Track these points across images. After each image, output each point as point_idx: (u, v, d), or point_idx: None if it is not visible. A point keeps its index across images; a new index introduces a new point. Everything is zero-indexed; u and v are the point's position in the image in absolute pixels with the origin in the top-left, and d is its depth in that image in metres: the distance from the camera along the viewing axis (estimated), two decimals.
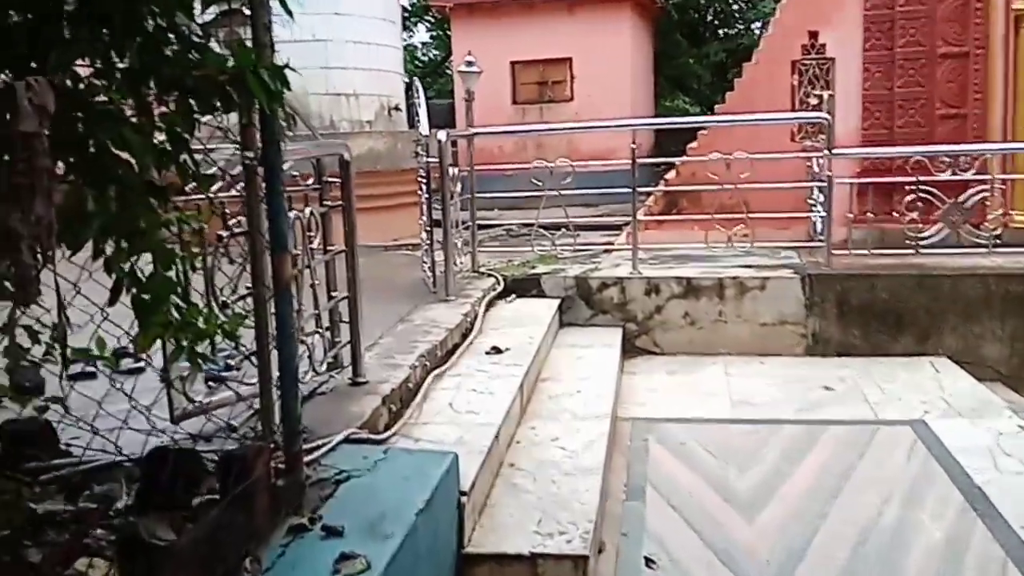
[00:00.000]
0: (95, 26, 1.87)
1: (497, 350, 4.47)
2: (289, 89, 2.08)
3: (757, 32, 23.29)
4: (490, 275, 6.01)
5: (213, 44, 2.05)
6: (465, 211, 6.14)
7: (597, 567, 3.01)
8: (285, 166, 2.81)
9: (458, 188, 5.81)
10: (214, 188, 2.62)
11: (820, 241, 6.12)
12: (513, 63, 18.94)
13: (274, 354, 2.40)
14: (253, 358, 2.52)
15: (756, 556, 3.28)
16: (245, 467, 2.11)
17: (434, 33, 28.76)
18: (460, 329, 4.66)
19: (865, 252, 6.05)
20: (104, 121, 1.90)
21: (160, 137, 2.00)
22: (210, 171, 2.38)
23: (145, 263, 2.03)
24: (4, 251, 1.41)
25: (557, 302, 5.81)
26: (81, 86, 1.93)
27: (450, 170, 5.46)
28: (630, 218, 6.40)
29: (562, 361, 5.02)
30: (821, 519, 3.53)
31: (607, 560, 3.18)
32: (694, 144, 8.87)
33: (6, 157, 1.39)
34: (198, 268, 2.44)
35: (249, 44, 2.15)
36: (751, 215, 6.29)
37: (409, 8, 25.97)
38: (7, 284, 1.54)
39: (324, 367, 3.30)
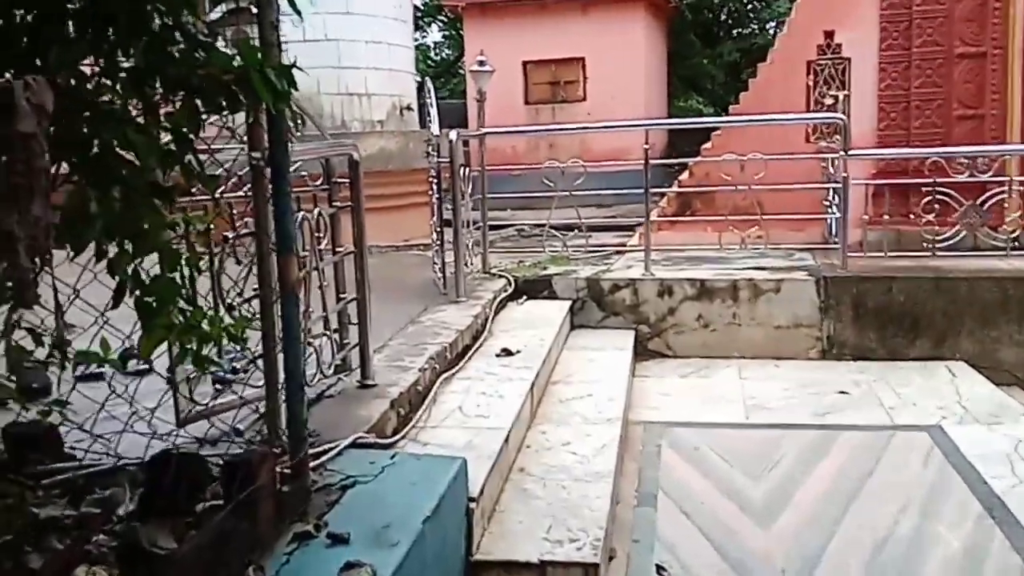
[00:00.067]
0: (99, 25, 1.84)
1: (508, 352, 4.42)
2: (296, 89, 2.04)
3: (772, 32, 23.17)
4: (501, 276, 5.97)
5: (220, 43, 2.02)
6: (476, 211, 6.10)
7: (607, 575, 2.96)
8: (293, 166, 2.78)
9: (469, 188, 5.77)
10: (220, 189, 2.61)
11: (835, 243, 6.06)
12: (525, 63, 18.86)
13: (280, 357, 2.36)
14: (259, 361, 2.49)
15: (770, 564, 3.23)
16: (249, 473, 2.07)
17: (447, 33, 28.75)
18: (470, 331, 4.62)
19: (881, 254, 5.98)
20: (108, 121, 1.87)
21: (165, 137, 1.97)
22: (216, 172, 2.37)
23: (149, 264, 2.00)
24: (1, 253, 1.38)
25: (568, 304, 5.77)
26: (89, 86, 1.90)
27: (461, 170, 5.42)
28: (643, 219, 6.34)
29: (573, 364, 4.98)
30: (836, 526, 3.47)
31: (618, 568, 3.13)
32: (708, 145, 8.80)
33: (3, 158, 1.36)
34: (203, 271, 2.41)
35: (256, 43, 2.13)
36: (765, 216, 6.23)
37: (422, 8, 25.96)
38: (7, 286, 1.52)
39: (332, 369, 3.26)
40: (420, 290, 5.54)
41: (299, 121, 2.93)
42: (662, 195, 8.67)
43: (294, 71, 2.06)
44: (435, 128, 5.55)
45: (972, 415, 4.60)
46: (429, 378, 3.75)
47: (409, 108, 10.36)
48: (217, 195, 2.47)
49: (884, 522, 3.49)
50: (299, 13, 2.13)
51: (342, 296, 3.36)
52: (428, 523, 2.31)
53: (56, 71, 1.72)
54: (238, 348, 2.35)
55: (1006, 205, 6.13)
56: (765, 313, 5.73)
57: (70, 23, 1.83)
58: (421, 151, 7.50)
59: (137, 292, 1.96)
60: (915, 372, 5.33)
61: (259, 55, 1.97)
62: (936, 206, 6.00)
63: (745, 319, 5.75)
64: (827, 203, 6.60)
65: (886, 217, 6.24)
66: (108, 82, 1.90)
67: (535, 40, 18.33)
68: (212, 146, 2.35)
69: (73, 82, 1.87)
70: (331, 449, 2.62)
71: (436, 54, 30.02)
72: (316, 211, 3.09)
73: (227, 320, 2.52)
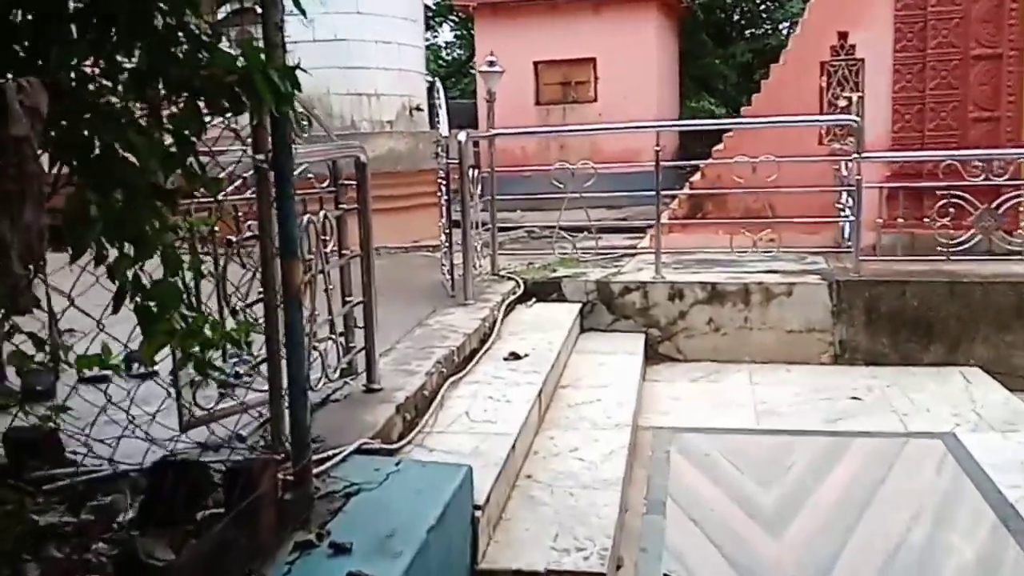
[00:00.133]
0: (100, 25, 1.81)
1: (516, 356, 4.38)
2: (300, 91, 2.01)
3: (785, 32, 23.05)
4: (510, 278, 5.93)
5: (224, 44, 1.99)
6: (485, 212, 6.07)
7: None
8: (299, 168, 2.75)
9: (478, 190, 5.73)
10: (225, 191, 2.58)
11: (848, 246, 5.99)
12: (536, 63, 18.84)
13: (284, 362, 2.33)
14: (263, 366, 2.46)
15: (781, 573, 3.18)
16: (250, 481, 2.04)
17: (458, 32, 28.74)
18: (478, 334, 4.58)
19: (894, 258, 5.91)
20: (108, 122, 1.84)
21: (169, 139, 1.94)
22: (220, 174, 2.34)
23: (151, 268, 1.97)
24: None
25: (578, 307, 5.72)
26: (91, 87, 1.87)
27: (470, 171, 5.38)
28: (653, 220, 6.29)
29: (582, 368, 4.93)
30: (848, 535, 3.42)
31: None
32: (719, 146, 8.75)
33: None
34: (206, 275, 2.38)
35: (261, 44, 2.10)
36: (777, 219, 6.18)
37: (433, 7, 25.95)
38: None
39: (338, 373, 3.23)
40: (428, 292, 5.51)
41: (307, 122, 2.91)
42: (673, 197, 8.62)
43: (301, 72, 2.03)
44: (444, 129, 5.52)
45: (987, 422, 4.53)
46: (436, 382, 3.71)
47: (419, 108, 10.34)
48: (220, 198, 2.45)
49: (897, 531, 3.43)
50: (304, 13, 2.10)
51: (348, 299, 3.33)
52: (432, 532, 2.27)
53: (56, 72, 1.69)
54: (237, 352, 2.31)
55: (1022, 209, 6.06)
56: (777, 317, 5.67)
57: (71, 23, 1.80)
58: (430, 152, 7.49)
59: (138, 297, 1.93)
60: (929, 378, 5.26)
61: (262, 56, 1.93)
62: (951, 209, 5.94)
63: (756, 323, 5.69)
64: (840, 206, 6.53)
65: (900, 220, 6.19)
66: (109, 83, 1.87)
67: (546, 40, 18.30)
68: (217, 148, 2.32)
69: (74, 83, 1.84)
70: (335, 455, 2.58)
71: (447, 54, 30.02)
72: (322, 213, 3.05)
73: (230, 324, 2.50)
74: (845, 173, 6.48)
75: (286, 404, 2.34)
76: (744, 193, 6.15)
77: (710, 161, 8.48)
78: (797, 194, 6.25)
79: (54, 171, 1.81)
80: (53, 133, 1.77)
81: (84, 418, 2.36)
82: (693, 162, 9.18)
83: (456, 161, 5.29)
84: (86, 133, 1.83)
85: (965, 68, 7.78)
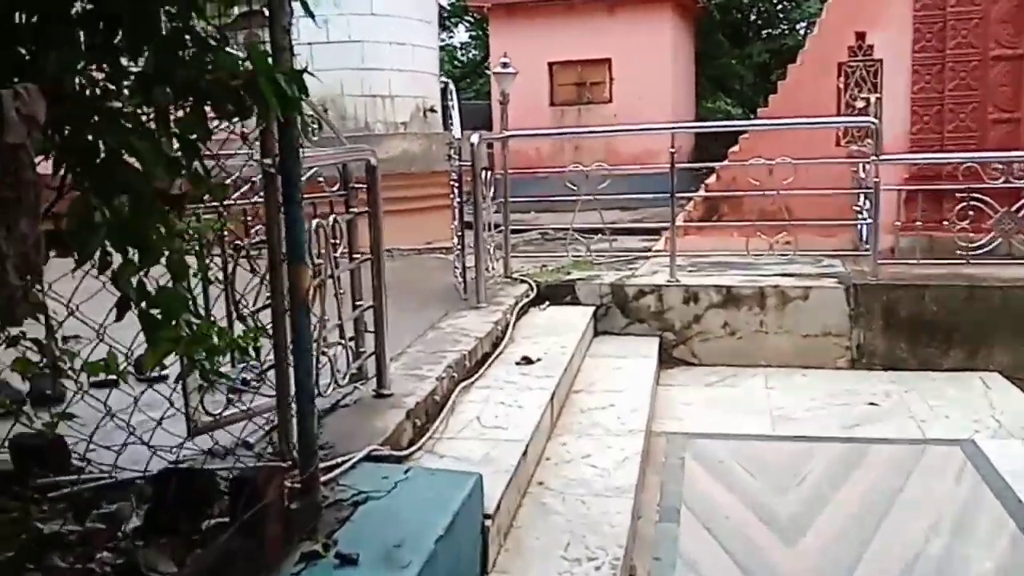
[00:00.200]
0: (104, 28, 1.78)
1: (528, 360, 4.34)
2: (307, 95, 1.98)
3: (802, 33, 22.91)
4: (523, 281, 5.89)
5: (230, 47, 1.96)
6: (499, 214, 6.03)
7: None
8: (309, 172, 2.72)
9: (491, 192, 5.70)
10: (234, 195, 2.55)
11: (866, 250, 5.92)
12: (551, 64, 18.77)
13: (292, 369, 2.30)
14: (270, 373, 2.43)
15: None
16: (256, 490, 2.01)
17: (473, 33, 28.71)
18: (490, 338, 4.54)
19: (913, 261, 5.84)
20: (112, 127, 1.81)
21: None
22: (227, 179, 2.31)
23: (155, 274, 1.94)
24: None
25: (592, 310, 5.67)
26: (97, 90, 1.85)
27: (483, 173, 5.35)
28: (668, 222, 6.24)
29: (596, 372, 4.89)
30: (865, 545, 3.37)
31: None
32: (735, 148, 8.68)
33: None
34: (213, 281, 2.36)
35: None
36: (794, 222, 6.11)
37: (449, 8, 25.93)
38: None
39: (347, 379, 3.20)
40: (441, 295, 5.48)
41: (316, 126, 2.88)
42: (688, 199, 8.56)
43: (313, 74, 1.99)
44: (456, 131, 5.50)
45: (1007, 429, 4.46)
46: (447, 387, 3.67)
47: (432, 110, 10.30)
48: (229, 202, 2.43)
49: (914, 541, 3.38)
50: (312, 16, 2.07)
51: (359, 303, 3.30)
52: (441, 542, 2.23)
53: (58, 75, 1.67)
54: (242, 359, 2.28)
55: None
56: (793, 321, 5.60)
57: (74, 26, 1.77)
58: (444, 153, 7.45)
59: (143, 304, 1.90)
60: (947, 383, 5.19)
61: (268, 60, 1.90)
62: (970, 212, 5.86)
63: (772, 327, 5.63)
64: (857, 208, 6.46)
65: (918, 223, 6.12)
66: (113, 87, 1.85)
67: (561, 41, 18.23)
68: (225, 151, 2.30)
69: (79, 87, 1.81)
70: (344, 463, 2.55)
71: (463, 54, 30.00)
72: (332, 217, 3.03)
73: (238, 330, 2.47)
74: (863, 175, 6.40)
75: (294, 411, 2.31)
76: (760, 195, 6.08)
77: (726, 163, 8.41)
78: (814, 196, 6.18)
79: (58, 176, 1.80)
80: (57, 138, 1.75)
81: (92, 424, 2.34)
82: (708, 164, 9.11)
83: (469, 163, 5.26)
84: (90, 138, 1.80)
85: (984, 69, 7.68)
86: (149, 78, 1.83)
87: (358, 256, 3.25)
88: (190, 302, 2.01)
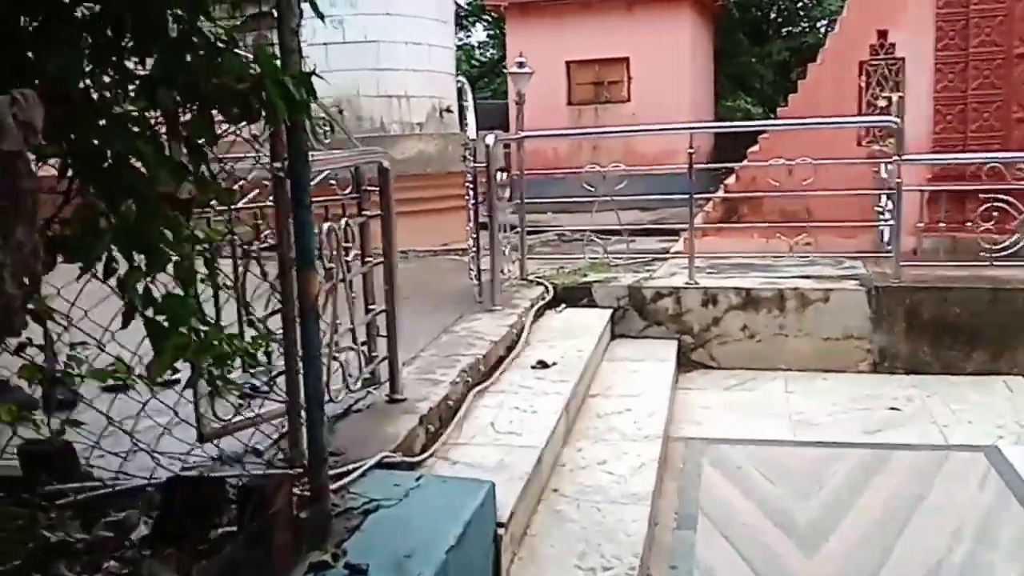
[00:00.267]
0: (108, 31, 1.75)
1: (544, 364, 4.30)
2: (315, 98, 1.94)
3: (822, 30, 22.70)
4: (539, 283, 5.85)
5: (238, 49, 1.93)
6: (515, 215, 5.99)
7: None
8: (321, 175, 2.69)
9: (507, 193, 5.65)
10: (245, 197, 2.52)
11: (888, 251, 5.82)
12: (569, 63, 18.67)
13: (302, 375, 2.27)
14: (280, 379, 2.40)
15: None
16: (265, 499, 1.98)
17: (491, 32, 28.66)
18: (505, 342, 4.50)
19: (936, 263, 5.74)
20: (117, 131, 1.78)
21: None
22: (236, 183, 2.28)
23: (166, 279, 1.91)
24: None
25: (609, 312, 5.61)
26: (106, 94, 1.82)
27: (498, 175, 5.30)
28: (687, 222, 6.17)
29: (613, 376, 4.83)
30: (887, 553, 3.31)
31: None
32: (755, 148, 8.57)
33: None
34: (222, 286, 2.33)
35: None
36: (814, 223, 6.03)
37: (466, 7, 25.91)
38: None
39: (360, 384, 3.16)
40: (455, 297, 5.44)
41: (328, 128, 2.85)
42: (708, 199, 8.47)
43: (322, 76, 1.96)
44: (472, 131, 5.45)
45: None
46: (461, 392, 3.63)
47: (448, 110, 10.27)
48: (239, 206, 2.40)
49: (937, 548, 3.33)
50: (322, 17, 2.04)
51: (371, 307, 3.27)
52: (452, 552, 2.19)
53: (60, 78, 1.64)
54: (252, 365, 2.25)
55: None
56: (813, 324, 5.53)
57: (78, 28, 1.75)
58: (460, 154, 7.42)
59: (149, 311, 1.88)
60: (971, 387, 5.10)
61: (276, 63, 1.87)
62: (994, 213, 5.77)
63: (792, 330, 5.56)
64: (879, 209, 6.36)
65: (941, 224, 6.02)
66: (119, 91, 1.82)
67: (578, 40, 18.13)
68: (235, 154, 2.27)
69: (85, 90, 1.79)
70: (355, 470, 2.52)
71: (480, 54, 29.96)
72: (343, 220, 2.99)
73: (248, 336, 2.44)
74: (885, 176, 6.31)
75: (304, 418, 2.28)
76: (780, 196, 6.00)
77: (745, 163, 8.31)
78: (835, 197, 6.09)
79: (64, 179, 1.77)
80: (64, 144, 1.73)
81: (103, 430, 2.32)
82: (727, 164, 9.02)
83: (484, 164, 5.22)
84: (96, 142, 1.78)
85: (1009, 67, 7.53)
86: (154, 81, 1.80)
87: (371, 260, 3.22)
88: (198, 308, 1.98)
